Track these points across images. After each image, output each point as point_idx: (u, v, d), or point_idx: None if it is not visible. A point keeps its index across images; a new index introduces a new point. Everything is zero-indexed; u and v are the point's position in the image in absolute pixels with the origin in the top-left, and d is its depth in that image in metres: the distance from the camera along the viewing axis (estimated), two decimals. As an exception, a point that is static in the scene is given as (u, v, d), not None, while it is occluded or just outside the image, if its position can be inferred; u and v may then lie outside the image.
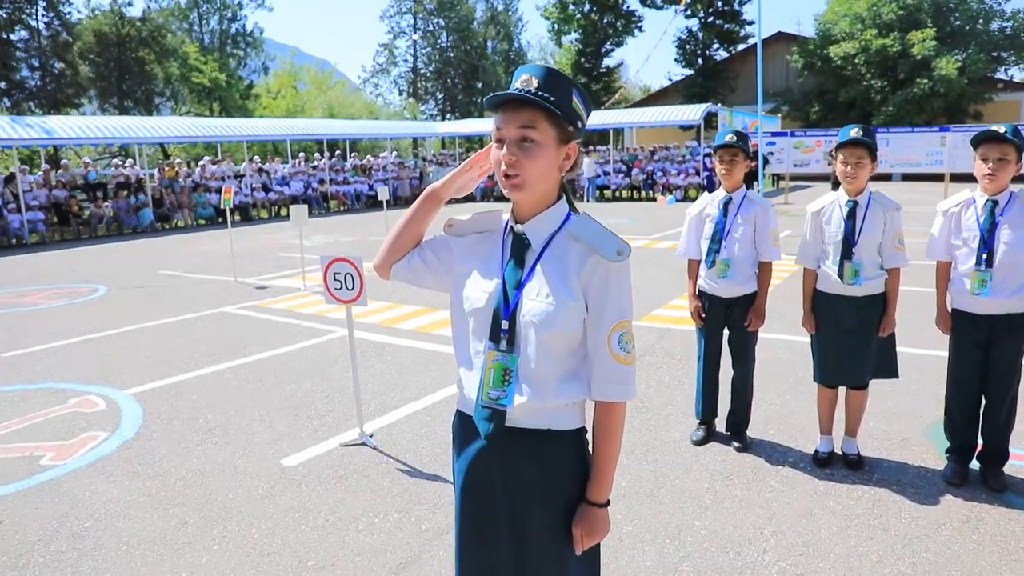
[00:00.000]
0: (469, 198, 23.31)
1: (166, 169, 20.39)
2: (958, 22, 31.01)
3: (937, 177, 20.26)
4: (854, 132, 3.42)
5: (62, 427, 4.57)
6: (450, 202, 1.81)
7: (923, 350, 5.55)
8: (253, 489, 3.64)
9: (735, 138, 3.77)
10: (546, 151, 1.50)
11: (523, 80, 1.50)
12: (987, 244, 3.28)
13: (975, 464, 3.53)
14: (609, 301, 1.53)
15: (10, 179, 16.77)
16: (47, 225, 16.69)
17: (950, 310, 3.50)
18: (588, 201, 22.90)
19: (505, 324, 1.54)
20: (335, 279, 4.10)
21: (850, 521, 3.15)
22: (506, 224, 1.66)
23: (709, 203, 3.95)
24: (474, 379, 1.60)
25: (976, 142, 3.30)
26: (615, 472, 1.63)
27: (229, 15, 44.80)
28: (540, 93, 1.47)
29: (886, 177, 25.60)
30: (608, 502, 1.61)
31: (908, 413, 4.35)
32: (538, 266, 1.56)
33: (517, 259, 1.58)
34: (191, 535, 3.21)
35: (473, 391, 1.60)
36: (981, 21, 30.94)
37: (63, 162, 20.23)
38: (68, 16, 34.85)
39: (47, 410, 4.89)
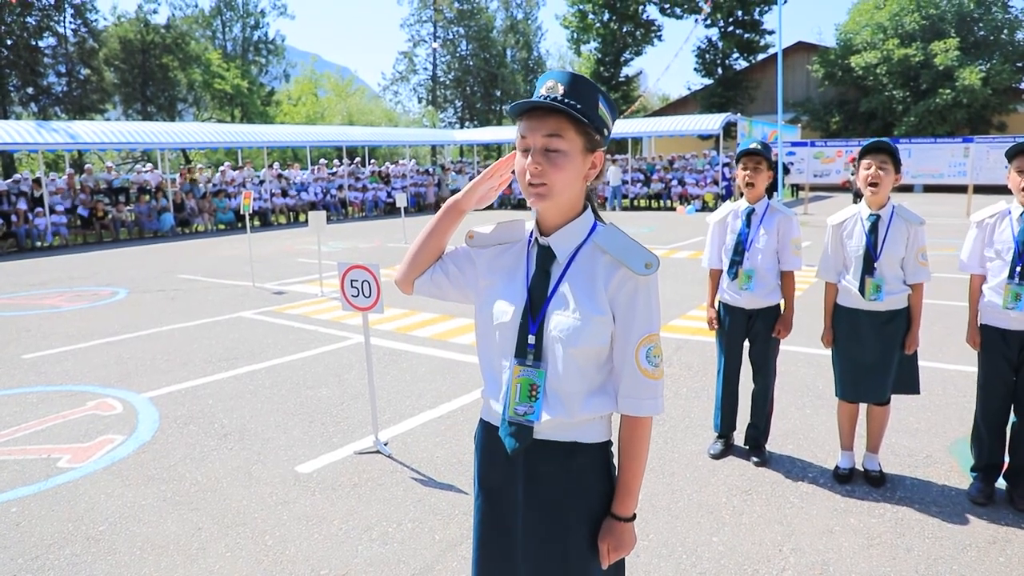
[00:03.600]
0: (492, 206, 23.34)
1: (186, 174, 20.65)
2: (982, 32, 30.68)
3: (960, 189, 20.00)
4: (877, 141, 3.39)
5: (80, 429, 4.60)
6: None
7: (946, 364, 5.45)
8: (267, 496, 3.63)
9: (759, 146, 3.73)
10: (572, 160, 1.46)
11: (548, 87, 1.45)
12: (1022, 257, 3.21)
13: (1001, 483, 3.45)
14: (637, 315, 1.49)
15: (36, 182, 17.07)
16: (70, 228, 16.95)
17: (979, 325, 3.42)
18: (613, 210, 22.85)
19: (532, 339, 1.51)
20: (352, 286, 4.10)
21: (872, 540, 3.08)
22: (530, 235, 1.61)
23: (731, 213, 3.90)
24: (500, 394, 1.57)
25: (1011, 155, 3.23)
26: (640, 486, 1.60)
27: (252, 23, 45.38)
28: (567, 100, 1.43)
29: (908, 188, 25.32)
30: (634, 516, 1.58)
31: (931, 429, 4.26)
32: (565, 279, 1.52)
33: (543, 272, 1.54)
34: (204, 541, 3.21)
35: (499, 406, 1.57)
36: (1006, 31, 30.58)
37: (87, 166, 20.52)
38: (94, 23, 35.47)
39: (65, 412, 4.93)
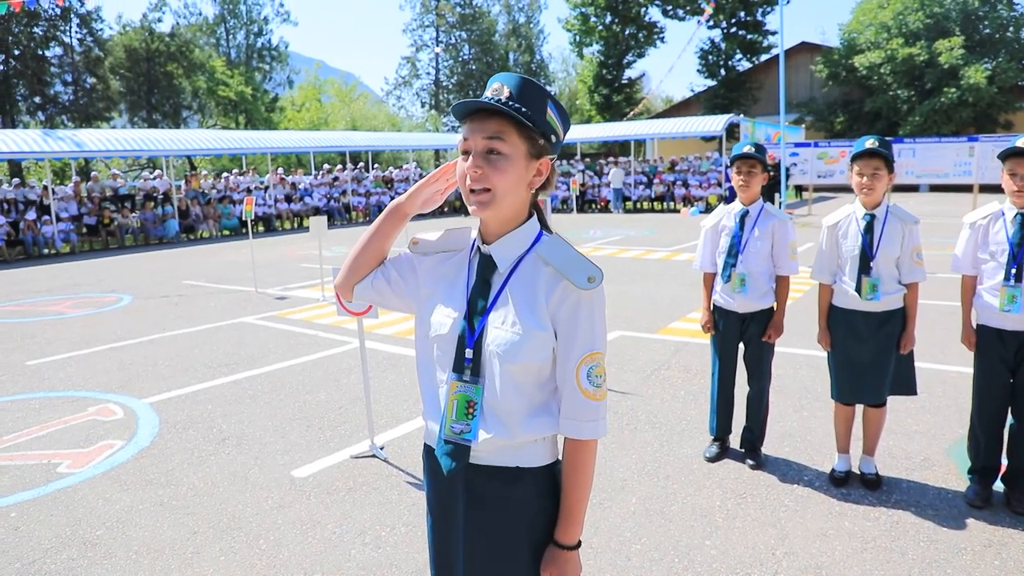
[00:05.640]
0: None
1: (192, 181, 20.77)
2: (987, 30, 30.55)
3: (965, 188, 19.91)
4: (869, 143, 3.36)
5: (80, 435, 4.63)
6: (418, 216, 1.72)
7: (944, 366, 5.42)
8: (263, 500, 3.65)
9: (753, 149, 3.73)
10: (515, 165, 1.40)
11: (494, 89, 1.40)
12: (1017, 259, 3.19)
13: (999, 486, 3.43)
14: (578, 332, 1.41)
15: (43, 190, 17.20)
16: (76, 236, 17.06)
17: (975, 326, 3.40)
18: (615, 212, 22.81)
19: (469, 353, 1.43)
20: (347, 291, 4.11)
21: (866, 543, 3.07)
22: (473, 243, 1.54)
23: (725, 215, 3.90)
24: (437, 411, 1.50)
25: (1004, 156, 3.22)
26: (585, 512, 1.51)
27: (255, 30, 45.68)
28: (511, 103, 1.37)
29: (913, 188, 25.22)
30: (579, 543, 1.49)
31: (929, 431, 4.24)
32: (505, 291, 1.44)
33: (483, 283, 1.46)
34: (199, 545, 3.22)
35: (436, 424, 1.50)
36: (1011, 29, 30.43)
37: (93, 174, 20.66)
38: (100, 33, 35.77)
39: (66, 418, 4.96)
